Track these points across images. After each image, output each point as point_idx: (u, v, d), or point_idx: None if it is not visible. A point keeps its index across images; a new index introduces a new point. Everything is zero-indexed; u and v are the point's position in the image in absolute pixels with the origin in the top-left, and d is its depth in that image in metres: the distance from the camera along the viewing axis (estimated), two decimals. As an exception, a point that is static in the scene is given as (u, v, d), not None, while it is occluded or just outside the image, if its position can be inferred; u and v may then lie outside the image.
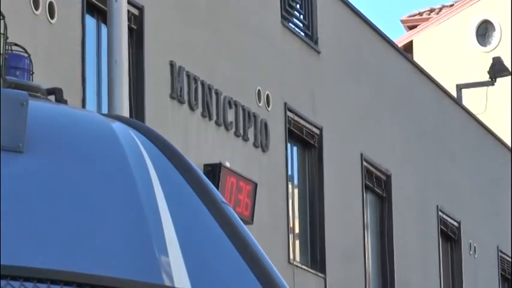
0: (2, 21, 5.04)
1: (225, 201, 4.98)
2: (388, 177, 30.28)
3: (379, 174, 30.22)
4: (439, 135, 34.54)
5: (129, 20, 17.79)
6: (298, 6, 25.57)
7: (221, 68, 22.17)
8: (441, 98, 34.33)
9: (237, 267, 4.70)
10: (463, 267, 34.59)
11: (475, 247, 34.86)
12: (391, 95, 31.55)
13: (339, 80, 28.18)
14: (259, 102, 23.29)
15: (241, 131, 22.81)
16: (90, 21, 20.03)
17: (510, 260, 36.29)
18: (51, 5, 18.99)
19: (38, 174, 4.67)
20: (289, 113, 24.85)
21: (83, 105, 15.71)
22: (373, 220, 29.77)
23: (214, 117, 21.91)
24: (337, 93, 27.57)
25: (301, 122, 25.81)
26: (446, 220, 34.34)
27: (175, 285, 4.28)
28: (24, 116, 4.61)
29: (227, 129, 22.22)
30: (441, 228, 33.82)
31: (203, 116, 21.55)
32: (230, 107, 22.66)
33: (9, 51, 5.33)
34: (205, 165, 19.54)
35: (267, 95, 23.79)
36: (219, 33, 22.65)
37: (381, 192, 30.23)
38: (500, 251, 36.83)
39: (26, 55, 5.73)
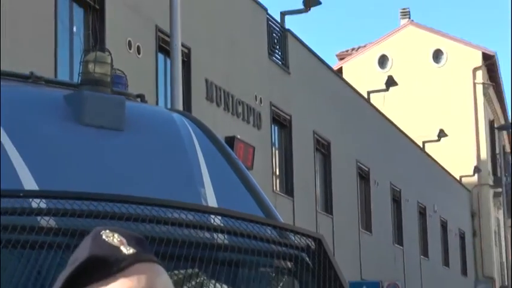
0: (110, 55, 6.74)
1: (237, 158, 7.12)
2: (329, 143, 36.26)
3: (323, 141, 36.13)
4: (357, 121, 40.94)
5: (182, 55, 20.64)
6: (278, 47, 31.04)
7: (234, 80, 26.88)
8: (358, 98, 42.58)
9: (246, 201, 6.65)
10: (371, 195, 42.09)
11: (378, 183, 43.14)
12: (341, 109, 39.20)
13: (301, 87, 33.19)
14: (256, 101, 29.43)
15: (246, 118, 28.37)
16: (161, 57, 24.30)
17: (398, 189, 43.96)
18: (138, 47, 22.67)
19: (130, 143, 6.49)
20: (272, 107, 30.51)
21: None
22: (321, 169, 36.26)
23: (231, 110, 27.07)
24: (300, 93, 33.12)
25: (280, 112, 31.33)
26: (361, 167, 41.49)
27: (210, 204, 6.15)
28: (122, 110, 6.40)
29: (238, 116, 27.70)
30: (359, 172, 41.40)
31: (224, 110, 26.76)
32: (239, 104, 28.24)
33: (114, 73, 6.79)
34: (226, 137, 22.46)
35: (260, 98, 29.57)
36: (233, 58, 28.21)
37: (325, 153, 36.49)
38: (392, 184, 44.87)
39: (123, 75, 7.34)
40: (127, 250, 2.25)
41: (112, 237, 2.26)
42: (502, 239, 56.39)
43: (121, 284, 2.21)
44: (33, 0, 17.73)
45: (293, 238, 6.56)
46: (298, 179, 32.10)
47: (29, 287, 5.22)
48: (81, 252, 2.27)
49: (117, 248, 2.25)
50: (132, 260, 2.24)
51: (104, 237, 2.27)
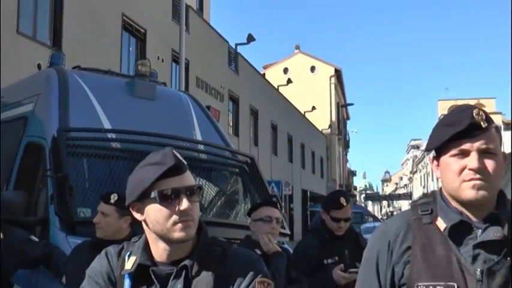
0: (149, 62, 7.08)
1: (212, 116, 7.37)
2: (257, 111, 35.91)
3: (254, 109, 35.96)
4: (273, 100, 37.78)
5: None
6: (233, 63, 30.32)
7: (209, 77, 25.51)
8: (273, 89, 38.77)
9: (216, 138, 6.85)
10: (277, 141, 39.82)
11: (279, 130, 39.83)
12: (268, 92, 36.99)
13: (244, 82, 33.52)
14: (221, 88, 28.10)
15: (216, 96, 26.93)
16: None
17: (291, 134, 41.24)
18: (162, 59, 21.12)
19: (158, 107, 6.64)
20: (229, 92, 29.33)
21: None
22: (252, 124, 35.42)
23: (209, 92, 25.92)
24: (244, 85, 31.79)
25: (233, 94, 29.79)
26: (273, 123, 40.94)
27: (198, 138, 6.45)
28: (154, 90, 6.70)
29: (212, 95, 26.34)
30: (272, 127, 40.06)
31: (206, 92, 25.61)
32: (213, 89, 26.63)
33: (151, 71, 6.98)
34: (206, 106, 21.86)
35: (223, 86, 28.35)
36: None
37: (255, 116, 35.42)
38: (288, 132, 40.77)
39: (155, 72, 7.44)
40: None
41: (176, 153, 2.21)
42: (341, 160, 62.31)
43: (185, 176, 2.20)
44: (105, 34, 17.86)
45: (239, 157, 6.95)
46: (242, 128, 30.82)
47: (106, 180, 5.40)
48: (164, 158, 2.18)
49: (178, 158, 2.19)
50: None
51: (175, 152, 2.20)
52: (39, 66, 13.24)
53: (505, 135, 43.60)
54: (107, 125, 5.87)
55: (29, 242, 4.61)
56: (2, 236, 4.47)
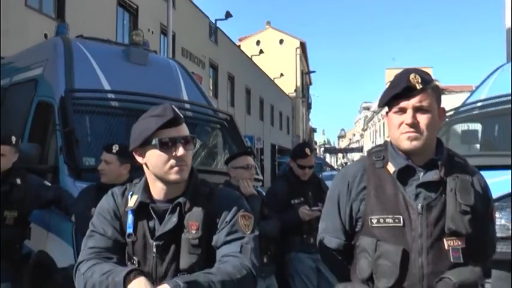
0: (142, 33, 6.90)
1: (196, 79, 7.15)
2: (233, 77, 34.15)
3: (231, 75, 34.04)
4: (247, 67, 36.32)
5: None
6: (214, 36, 29.22)
7: (191, 47, 23.35)
8: (245, 56, 36.97)
9: (199, 97, 6.75)
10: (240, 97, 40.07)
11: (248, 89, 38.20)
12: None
13: (224, 55, 32.37)
14: (203, 56, 27.17)
15: (198, 63, 26.07)
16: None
17: (263, 98, 39.92)
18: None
19: (150, 71, 6.47)
20: (210, 60, 28.53)
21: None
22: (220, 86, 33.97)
23: (193, 60, 25.13)
24: (223, 57, 31.31)
25: (213, 62, 28.91)
26: (246, 86, 39.26)
27: (185, 99, 6.35)
28: (147, 56, 6.54)
29: (195, 63, 25.61)
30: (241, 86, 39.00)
31: (190, 60, 24.65)
32: (196, 58, 26.10)
33: (144, 40, 6.86)
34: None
35: (204, 55, 27.54)
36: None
37: (232, 82, 33.74)
38: (257, 92, 38.83)
39: (147, 42, 7.21)
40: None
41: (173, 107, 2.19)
42: (304, 119, 61.23)
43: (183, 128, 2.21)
44: (103, 9, 17.51)
45: (220, 115, 6.87)
46: (221, 91, 30.08)
47: (106, 133, 5.32)
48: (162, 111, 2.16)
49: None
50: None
51: (173, 107, 2.18)
52: (45, 35, 13.00)
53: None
54: (106, 86, 5.77)
55: (43, 186, 4.61)
56: (19, 182, 4.44)
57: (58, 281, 4.17)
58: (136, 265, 2.15)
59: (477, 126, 6.99)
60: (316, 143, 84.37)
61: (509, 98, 6.21)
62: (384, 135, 59.31)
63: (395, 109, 2.24)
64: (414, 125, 2.20)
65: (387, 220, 2.19)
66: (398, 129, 2.24)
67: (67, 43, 6.03)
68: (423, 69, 2.36)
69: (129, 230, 2.19)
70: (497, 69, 7.36)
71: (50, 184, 4.71)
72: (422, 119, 2.20)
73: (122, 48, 6.59)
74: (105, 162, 4.21)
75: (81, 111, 5.33)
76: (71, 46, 5.99)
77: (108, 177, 4.18)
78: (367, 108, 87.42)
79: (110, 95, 5.67)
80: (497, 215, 4.62)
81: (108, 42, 7.00)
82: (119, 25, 18.81)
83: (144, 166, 2.23)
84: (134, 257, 2.18)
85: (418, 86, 2.19)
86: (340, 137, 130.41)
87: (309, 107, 70.36)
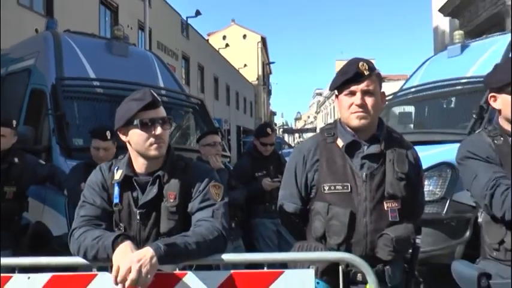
0: (122, 28, 6.87)
1: (170, 69, 7.03)
2: (203, 67, 32.10)
3: (200, 66, 32.48)
4: (214, 58, 34.60)
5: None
6: (185, 31, 27.98)
7: (165, 41, 22.21)
8: (211, 48, 35.68)
9: (173, 84, 6.59)
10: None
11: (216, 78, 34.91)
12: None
13: (196, 48, 31.51)
14: (176, 49, 25.75)
15: (171, 55, 24.72)
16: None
17: (230, 85, 39.16)
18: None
19: (130, 62, 6.29)
20: (183, 53, 27.68)
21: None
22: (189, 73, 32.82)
23: (167, 52, 23.56)
24: (194, 50, 30.46)
25: (185, 54, 28.12)
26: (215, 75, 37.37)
27: (162, 86, 6.20)
28: (127, 49, 6.35)
29: (168, 55, 24.40)
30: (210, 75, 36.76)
31: (164, 53, 23.38)
32: (170, 51, 25.04)
33: (124, 35, 6.63)
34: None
35: (177, 48, 26.46)
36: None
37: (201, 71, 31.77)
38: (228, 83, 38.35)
39: (127, 36, 7.03)
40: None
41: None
42: (265, 104, 61.28)
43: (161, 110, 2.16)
44: (87, 7, 16.94)
45: (192, 100, 6.80)
46: (192, 80, 29.01)
47: (92, 117, 5.21)
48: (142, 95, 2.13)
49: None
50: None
51: (152, 91, 2.14)
52: (36, 30, 12.60)
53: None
54: (92, 75, 5.66)
55: (38, 165, 4.53)
56: (17, 160, 4.38)
57: (54, 248, 4.15)
58: (123, 230, 2.14)
59: (411, 109, 7.14)
60: (276, 125, 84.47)
61: (438, 84, 6.36)
62: (334, 116, 59.70)
63: (345, 92, 2.26)
64: (363, 106, 2.23)
65: (337, 187, 2.22)
66: (348, 109, 2.26)
67: (56, 37, 5.88)
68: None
69: (116, 200, 2.18)
70: (427, 60, 7.54)
71: (44, 162, 4.63)
72: (369, 101, 2.24)
73: (105, 42, 6.45)
74: (104, 149, 4.10)
75: (70, 97, 5.23)
76: (60, 39, 5.84)
77: (106, 160, 4.09)
78: (320, 94, 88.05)
79: (95, 83, 5.57)
80: (426, 182, 4.76)
81: (93, 36, 6.86)
82: (102, 21, 18.40)
83: (128, 144, 2.21)
84: (121, 224, 2.17)
85: (366, 73, 2.22)
86: (297, 119, 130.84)
87: (269, 93, 70.43)
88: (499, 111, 2.27)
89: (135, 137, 2.16)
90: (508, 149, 2.18)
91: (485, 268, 2.17)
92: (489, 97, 2.28)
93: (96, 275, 2.01)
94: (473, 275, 2.13)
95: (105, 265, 2.01)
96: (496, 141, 2.20)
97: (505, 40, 6.09)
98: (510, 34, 6.14)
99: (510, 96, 2.19)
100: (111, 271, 1.93)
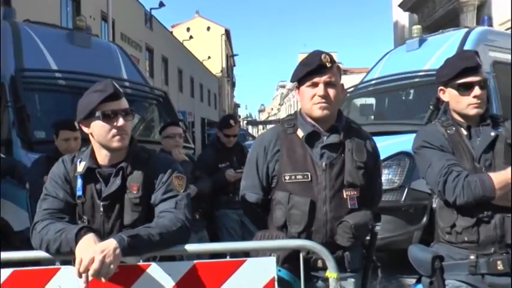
0: (85, 18, 6.61)
1: (133, 60, 6.94)
2: (167, 59, 32.45)
3: (164, 58, 32.06)
4: (181, 53, 35.03)
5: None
6: (149, 22, 27.66)
7: (130, 33, 21.78)
8: (176, 41, 35.07)
9: (137, 76, 6.54)
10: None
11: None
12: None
13: (159, 37, 31.28)
14: (140, 41, 25.34)
15: (136, 47, 23.76)
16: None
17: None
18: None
19: (92, 53, 6.20)
20: (146, 44, 26.95)
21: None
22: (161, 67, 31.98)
23: (131, 44, 22.66)
24: (158, 40, 29.90)
25: (149, 46, 27.37)
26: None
27: (125, 78, 6.11)
28: (89, 40, 6.26)
29: (132, 47, 23.51)
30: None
31: (128, 44, 21.97)
32: (134, 43, 23.23)
33: (86, 25, 6.48)
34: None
35: (141, 40, 25.88)
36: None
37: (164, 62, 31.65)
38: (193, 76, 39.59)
39: (90, 26, 6.84)
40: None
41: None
42: (229, 96, 61.32)
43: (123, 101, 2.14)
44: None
45: (155, 92, 6.75)
46: (156, 71, 28.71)
47: (53, 108, 5.18)
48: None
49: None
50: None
51: (113, 83, 2.14)
52: (-8, 20, 12.13)
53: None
54: (53, 66, 5.55)
55: None
56: None
57: (15, 244, 4.06)
58: (86, 223, 2.12)
59: (372, 101, 7.29)
60: (240, 116, 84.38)
61: (397, 77, 6.55)
62: (297, 108, 60.02)
63: (308, 83, 2.28)
64: (325, 97, 2.26)
65: (297, 177, 2.25)
66: (311, 100, 2.28)
67: (15, 27, 5.70)
68: (330, 53, 2.42)
69: (79, 193, 2.15)
70: (387, 53, 7.74)
71: (4, 156, 4.50)
72: (331, 92, 2.27)
73: (67, 32, 6.31)
74: (74, 139, 4.02)
75: (31, 89, 5.12)
76: (19, 29, 5.67)
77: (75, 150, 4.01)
78: (283, 86, 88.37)
79: (57, 74, 5.47)
80: (385, 171, 4.88)
81: (54, 26, 6.68)
82: (63, 12, 17.84)
83: (90, 135, 2.19)
84: (84, 216, 2.14)
85: (328, 65, 2.26)
86: (260, 111, 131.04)
87: (233, 85, 70.15)
88: (447, 103, 2.35)
89: (97, 129, 2.13)
90: (458, 138, 2.27)
91: (438, 251, 2.27)
92: (438, 90, 2.36)
93: (59, 268, 1.99)
94: (427, 257, 2.22)
95: (69, 259, 1.99)
96: (448, 131, 2.29)
97: (459, 35, 6.27)
98: (464, 29, 6.38)
99: (455, 90, 2.27)
100: (74, 265, 1.91)
